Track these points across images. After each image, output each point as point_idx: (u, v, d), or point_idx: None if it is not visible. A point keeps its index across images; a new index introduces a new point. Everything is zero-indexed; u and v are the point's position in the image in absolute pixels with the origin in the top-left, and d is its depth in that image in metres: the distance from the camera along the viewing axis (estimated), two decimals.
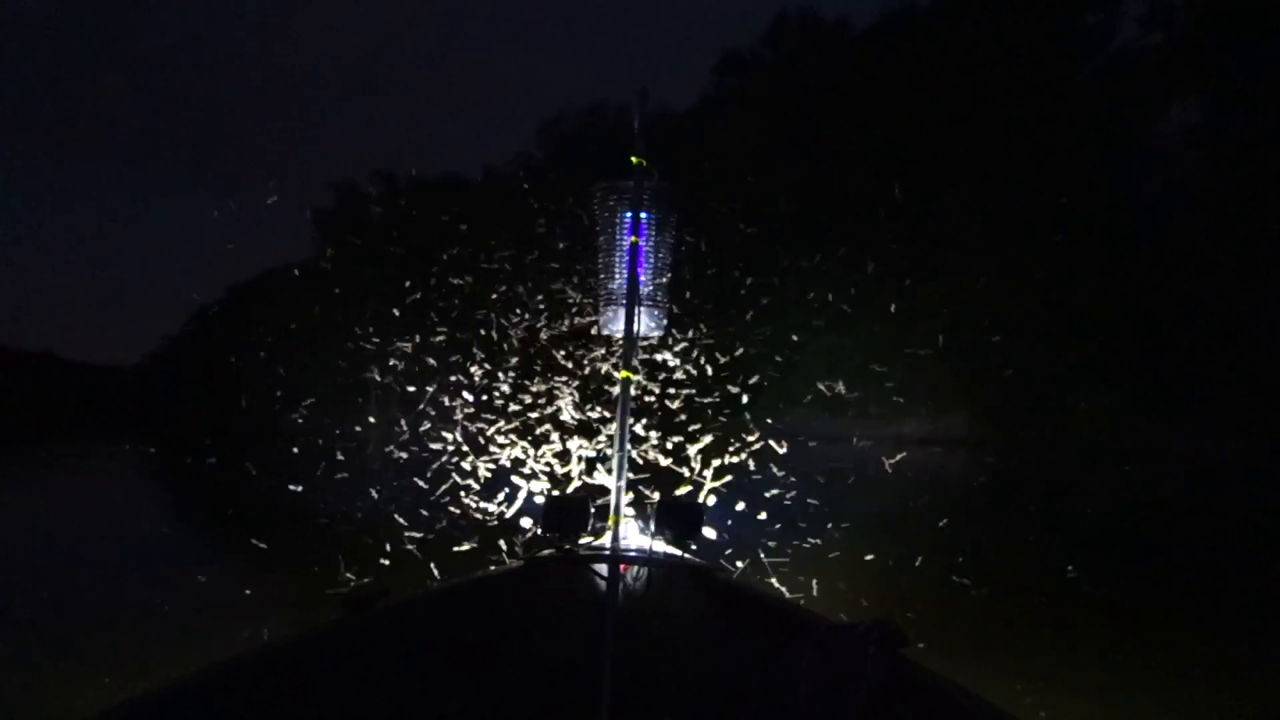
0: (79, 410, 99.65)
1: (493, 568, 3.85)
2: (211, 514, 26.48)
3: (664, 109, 39.60)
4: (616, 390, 3.50)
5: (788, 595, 4.18)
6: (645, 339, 3.79)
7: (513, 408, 5.86)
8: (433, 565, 6.83)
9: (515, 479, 5.24)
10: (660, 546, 3.95)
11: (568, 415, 5.69)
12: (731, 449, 5.62)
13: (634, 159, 3.57)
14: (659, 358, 5.54)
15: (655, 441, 5.44)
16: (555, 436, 5.45)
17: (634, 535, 4.08)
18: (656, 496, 4.40)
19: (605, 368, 5.57)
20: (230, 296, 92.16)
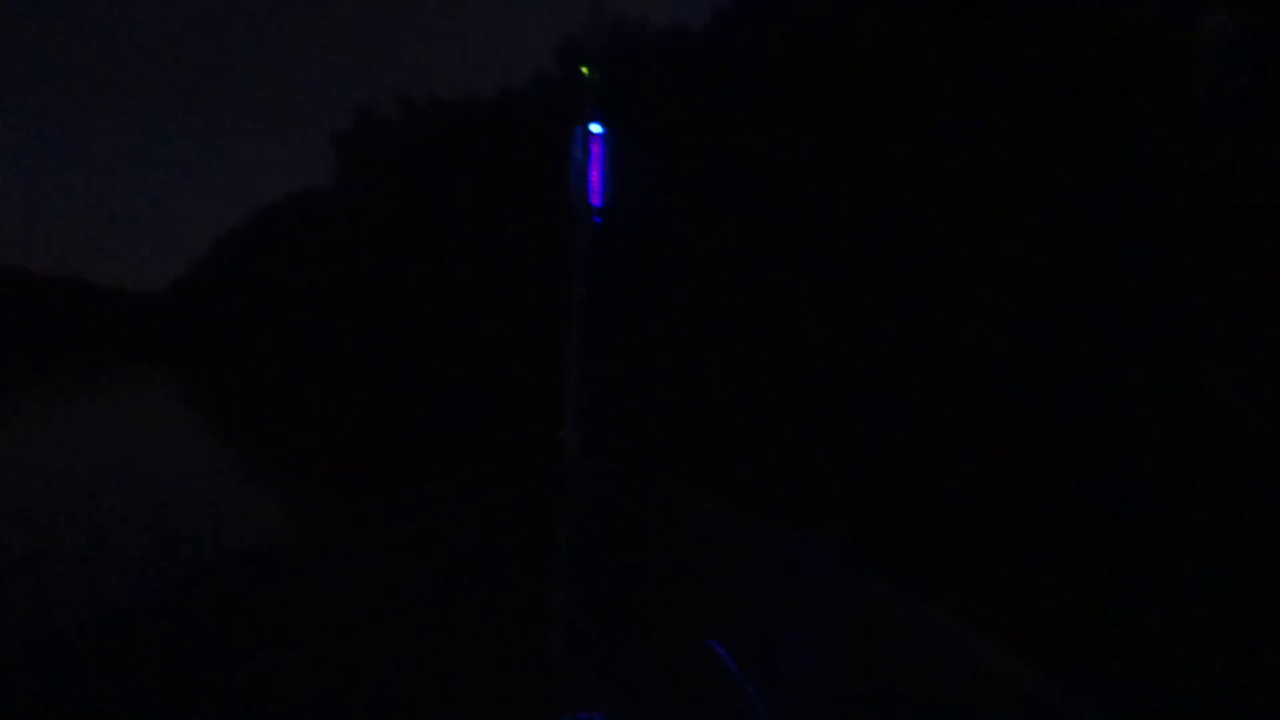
0: (110, 335, 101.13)
1: (440, 487, 3.94)
2: (231, 427, 27.12)
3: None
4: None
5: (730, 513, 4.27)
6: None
7: None
8: None
9: None
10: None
11: None
12: None
13: (584, 69, 3.55)
14: None
15: None
16: None
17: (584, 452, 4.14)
18: None
19: None
20: (256, 220, 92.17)
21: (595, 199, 3.60)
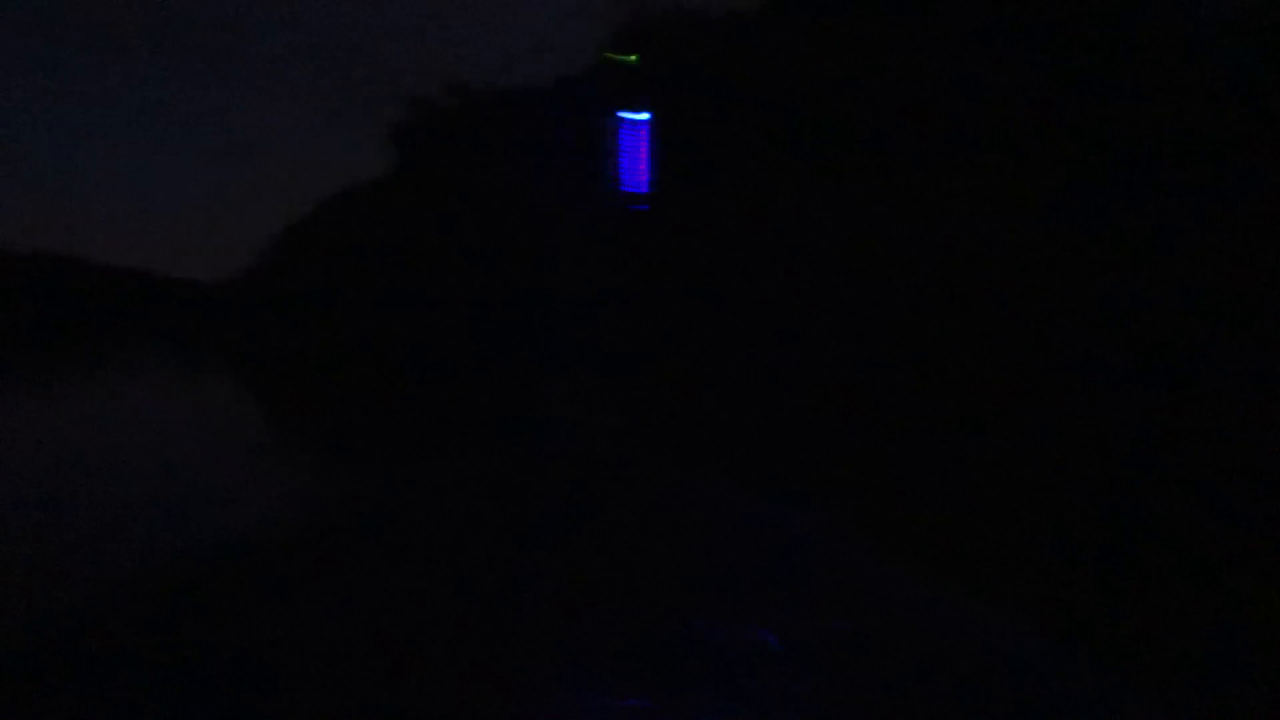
0: (170, 324, 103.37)
1: (446, 464, 3.96)
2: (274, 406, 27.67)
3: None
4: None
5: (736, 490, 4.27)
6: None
7: None
8: None
9: None
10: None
11: None
12: None
13: (631, 58, 3.53)
14: None
15: None
16: None
17: (586, 426, 4.10)
18: None
19: None
20: (315, 212, 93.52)
21: (638, 186, 3.60)
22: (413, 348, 44.74)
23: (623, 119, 3.04)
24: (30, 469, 13.14)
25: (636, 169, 3.03)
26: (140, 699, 2.92)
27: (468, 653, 3.59)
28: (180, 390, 32.20)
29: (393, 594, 3.82)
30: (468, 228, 43.08)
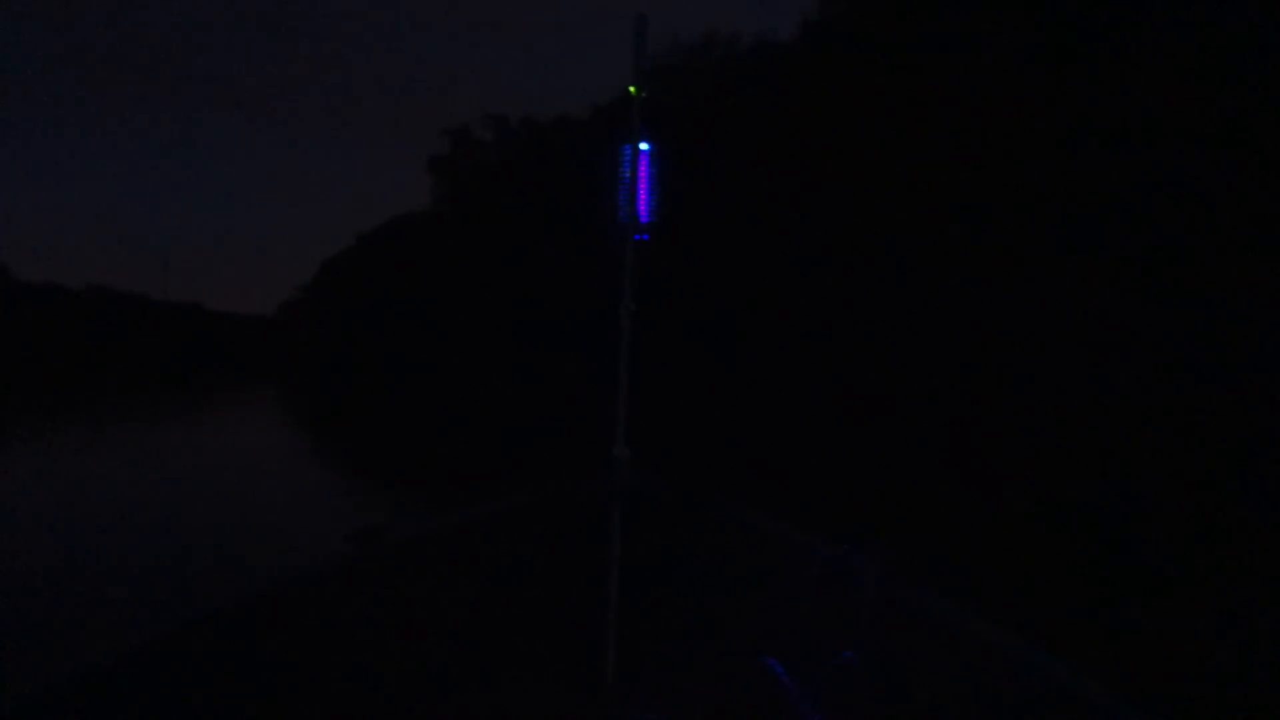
0: (225, 356, 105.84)
1: (498, 502, 4.03)
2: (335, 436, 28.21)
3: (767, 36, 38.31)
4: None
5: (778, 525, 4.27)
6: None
7: None
8: None
9: None
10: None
11: None
12: None
13: (631, 89, 3.62)
14: None
15: None
16: None
17: (633, 469, 4.12)
18: None
19: None
20: (358, 245, 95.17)
21: (643, 216, 3.67)
22: (474, 376, 45.34)
23: (625, 149, 3.08)
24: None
25: (639, 199, 3.07)
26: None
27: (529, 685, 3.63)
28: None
29: (461, 621, 3.88)
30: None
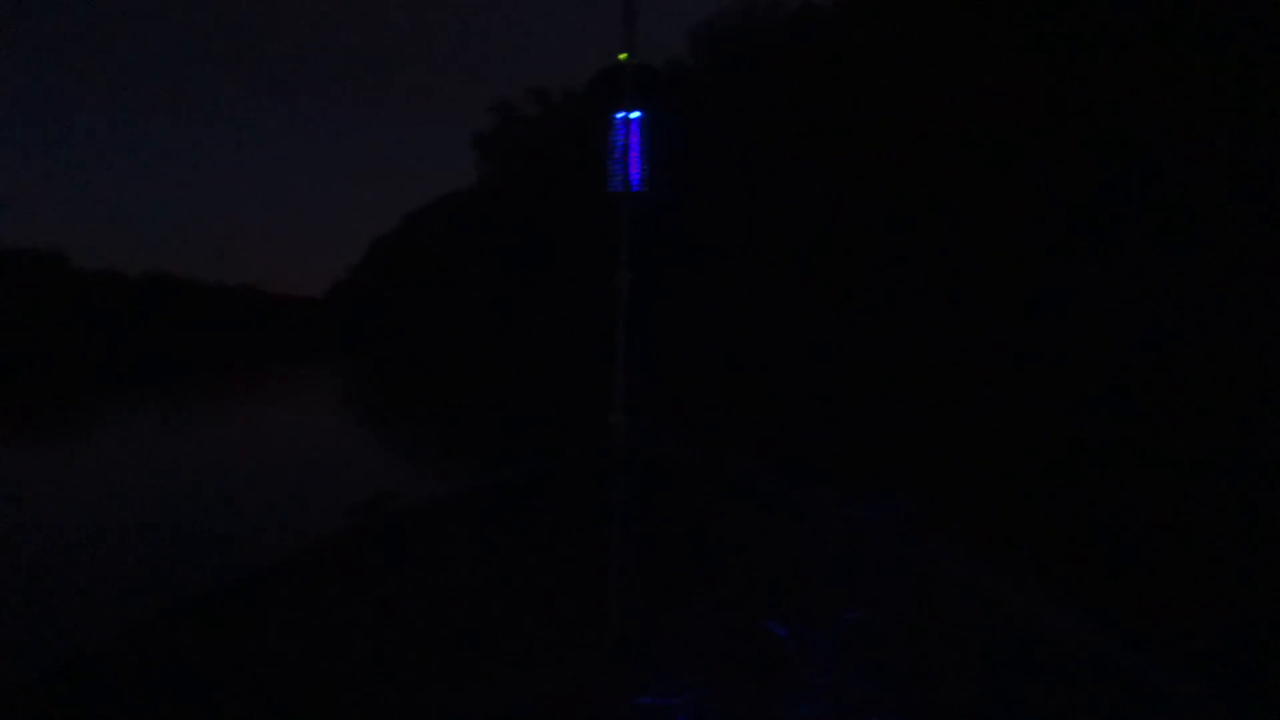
0: (280, 337, 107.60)
1: (502, 470, 4.09)
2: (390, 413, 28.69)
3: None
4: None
5: (786, 485, 4.26)
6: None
7: None
8: None
9: None
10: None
11: None
12: None
13: (621, 56, 3.63)
14: None
15: None
16: None
17: (634, 433, 4.14)
18: None
19: None
20: (404, 224, 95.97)
21: (635, 183, 3.69)
22: (518, 351, 45.68)
23: (616, 118, 3.08)
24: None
25: (630, 167, 3.08)
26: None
27: (545, 646, 3.69)
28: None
29: (477, 585, 3.96)
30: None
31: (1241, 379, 14.32)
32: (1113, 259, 17.53)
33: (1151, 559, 8.08)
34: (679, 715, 3.21)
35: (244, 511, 10.64)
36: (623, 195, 3.67)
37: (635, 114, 3.68)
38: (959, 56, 21.37)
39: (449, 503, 4.16)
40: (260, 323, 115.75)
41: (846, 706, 3.15)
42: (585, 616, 3.76)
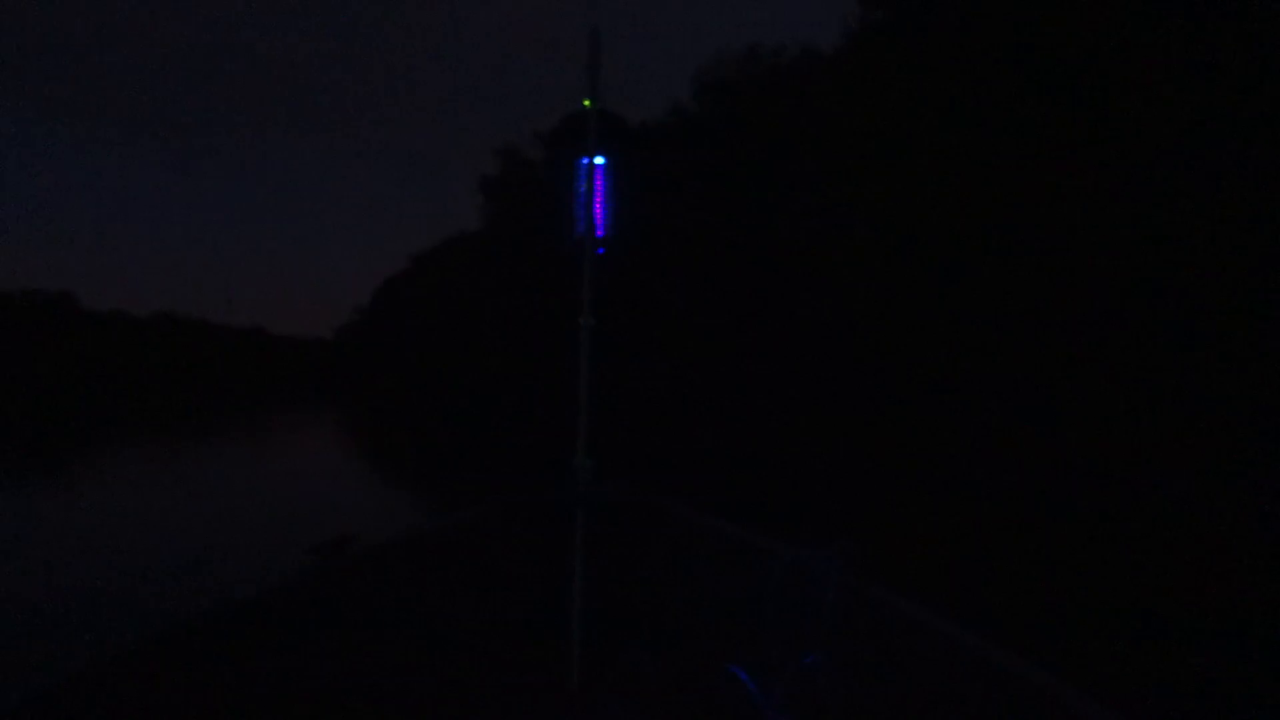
0: (287, 377, 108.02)
1: (463, 512, 4.04)
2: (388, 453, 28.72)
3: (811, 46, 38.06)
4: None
5: (740, 529, 4.20)
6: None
7: None
8: None
9: None
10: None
11: None
12: None
13: (586, 103, 3.60)
14: None
15: None
16: None
17: (595, 477, 4.10)
18: None
19: None
20: (413, 267, 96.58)
21: (599, 229, 3.64)
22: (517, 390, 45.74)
23: (581, 163, 3.05)
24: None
25: (595, 212, 3.05)
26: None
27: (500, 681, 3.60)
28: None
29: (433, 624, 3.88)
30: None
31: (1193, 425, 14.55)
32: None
33: (1107, 607, 8.03)
34: None
35: (213, 549, 10.68)
36: (585, 240, 3.63)
37: (599, 160, 3.64)
38: (958, 107, 21.50)
39: (405, 543, 4.09)
40: (267, 363, 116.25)
41: None
42: (539, 662, 3.67)
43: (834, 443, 21.75)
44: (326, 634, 3.49)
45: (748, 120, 36.61)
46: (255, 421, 42.81)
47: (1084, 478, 15.60)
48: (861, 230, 24.47)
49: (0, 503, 15.02)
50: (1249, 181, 14.78)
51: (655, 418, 27.58)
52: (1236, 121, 15.28)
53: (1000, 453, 17.81)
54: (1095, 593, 8.70)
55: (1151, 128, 16.94)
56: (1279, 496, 12.34)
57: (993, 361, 19.26)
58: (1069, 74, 19.20)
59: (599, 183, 3.56)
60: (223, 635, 3.32)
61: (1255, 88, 15.11)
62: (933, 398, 20.22)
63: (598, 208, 3.54)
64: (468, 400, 52.31)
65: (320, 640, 3.47)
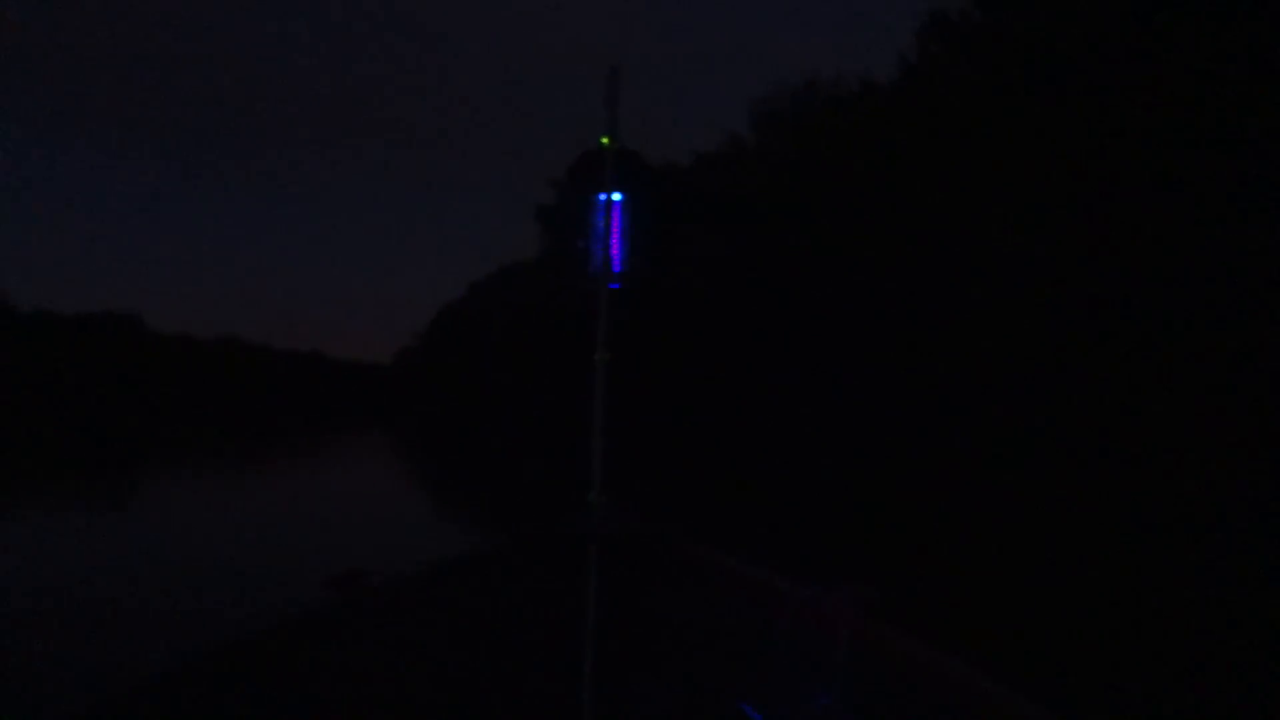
0: (345, 403, 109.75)
1: (477, 546, 3.96)
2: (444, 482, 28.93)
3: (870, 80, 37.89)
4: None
5: (752, 567, 4.10)
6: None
7: None
8: None
9: None
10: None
11: None
12: None
13: (604, 140, 3.53)
14: None
15: None
16: None
17: (610, 512, 4.02)
18: None
19: None
20: (470, 294, 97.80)
21: (615, 265, 3.57)
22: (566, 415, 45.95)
23: (598, 199, 3.05)
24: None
25: (611, 248, 3.04)
26: None
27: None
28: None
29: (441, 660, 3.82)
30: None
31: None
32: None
33: (1122, 654, 7.73)
34: None
35: (234, 576, 10.70)
36: (602, 276, 3.56)
37: (617, 196, 3.57)
38: (1013, 143, 21.21)
39: (417, 578, 4.02)
40: (326, 387, 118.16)
41: None
42: (551, 696, 3.57)
43: (852, 472, 21.47)
44: (331, 673, 3.44)
45: (805, 149, 36.54)
46: (308, 443, 43.43)
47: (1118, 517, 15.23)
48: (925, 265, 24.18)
49: (44, 521, 15.35)
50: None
51: (672, 447, 27.44)
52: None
53: (1029, 489, 17.47)
54: (1125, 635, 8.40)
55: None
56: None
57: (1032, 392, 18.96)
58: (1128, 106, 18.87)
59: (615, 219, 3.50)
60: (219, 677, 3.28)
61: None
62: (967, 436, 19.92)
63: (614, 244, 3.48)
64: (515, 427, 52.62)
65: (326, 674, 3.43)
